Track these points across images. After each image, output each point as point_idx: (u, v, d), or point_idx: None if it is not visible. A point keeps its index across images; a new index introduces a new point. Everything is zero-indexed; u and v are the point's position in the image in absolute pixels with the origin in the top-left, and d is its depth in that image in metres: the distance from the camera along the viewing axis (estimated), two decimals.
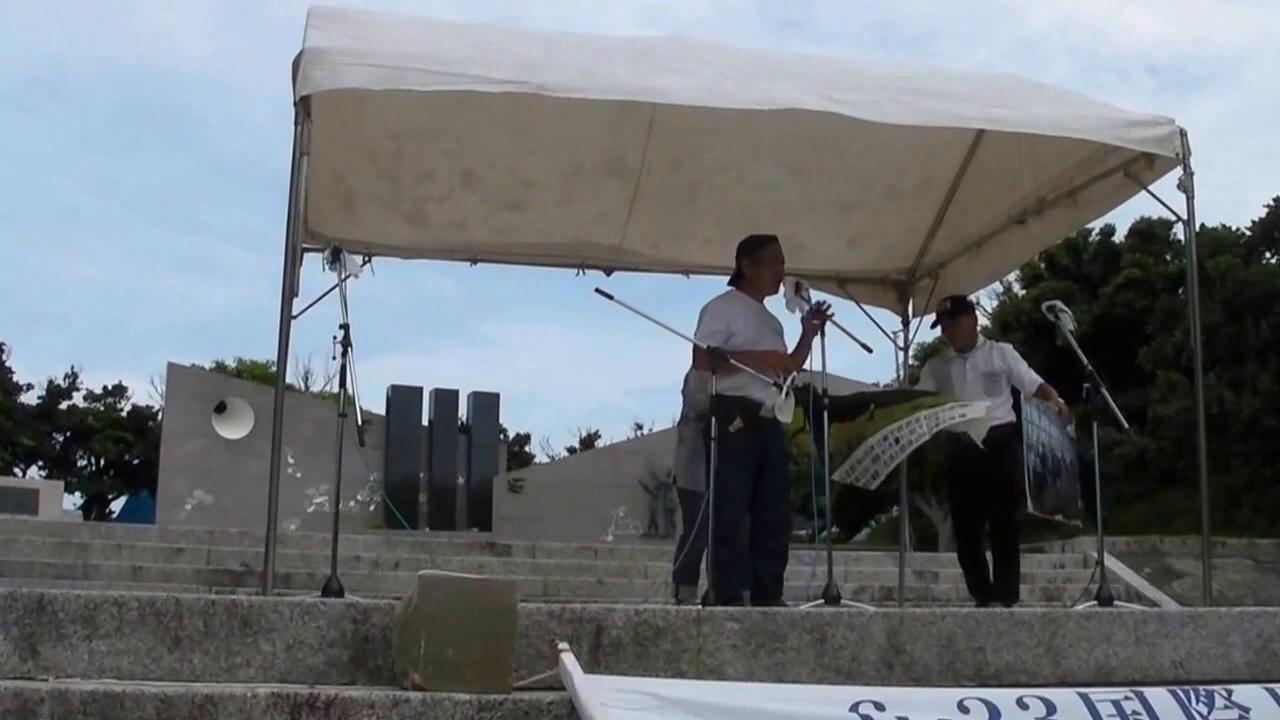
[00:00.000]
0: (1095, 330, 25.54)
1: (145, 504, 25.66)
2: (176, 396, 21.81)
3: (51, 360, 64.47)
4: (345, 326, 5.91)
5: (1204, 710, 4.03)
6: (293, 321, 5.60)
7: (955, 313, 7.57)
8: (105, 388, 38.51)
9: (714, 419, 5.98)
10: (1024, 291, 29.48)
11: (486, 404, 25.71)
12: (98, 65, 63.21)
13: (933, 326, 7.78)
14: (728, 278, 6.65)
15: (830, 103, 5.78)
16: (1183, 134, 6.27)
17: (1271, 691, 4.16)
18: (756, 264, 6.46)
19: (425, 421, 24.34)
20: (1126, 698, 4.03)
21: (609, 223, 7.83)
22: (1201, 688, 4.14)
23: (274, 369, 5.77)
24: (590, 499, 21.95)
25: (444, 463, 24.05)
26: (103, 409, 37.92)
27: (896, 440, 6.67)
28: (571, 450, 40.60)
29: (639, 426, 40.68)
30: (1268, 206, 26.26)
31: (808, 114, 5.86)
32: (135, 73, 62.98)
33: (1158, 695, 4.05)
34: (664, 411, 51.04)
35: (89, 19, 61.72)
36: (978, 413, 6.69)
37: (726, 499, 5.97)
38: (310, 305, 5.97)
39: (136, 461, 36.13)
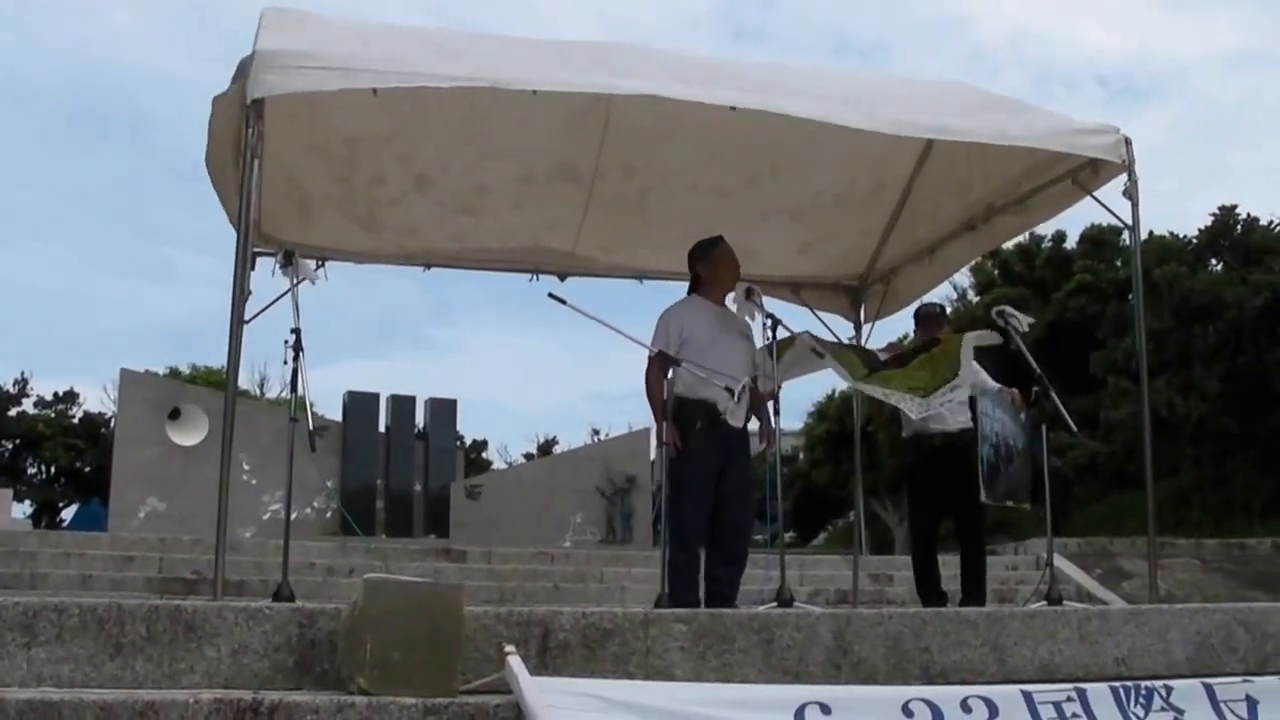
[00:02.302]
0: (1048, 335, 25.79)
1: (97, 512, 25.30)
2: (129, 403, 21.53)
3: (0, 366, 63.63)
4: (297, 331, 5.90)
5: (1140, 712, 4.09)
6: (248, 327, 5.60)
7: (942, 318, 7.72)
8: (56, 394, 38.10)
9: (673, 422, 6.01)
10: (978, 298, 29.77)
11: (444, 410, 25.59)
12: (51, 66, 62.58)
13: (915, 334, 7.84)
14: (680, 283, 6.69)
15: (781, 106, 5.83)
16: (1128, 142, 6.36)
17: (1208, 687, 4.23)
18: (712, 265, 6.49)
19: (382, 428, 24.20)
20: (1069, 698, 4.08)
21: (562, 228, 7.84)
22: (1142, 684, 4.19)
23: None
24: (548, 505, 21.89)
25: (401, 469, 23.93)
26: (53, 415, 37.45)
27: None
28: (529, 456, 40.54)
29: (596, 432, 40.70)
30: (1213, 215, 26.66)
31: (760, 121, 5.90)
32: (90, 74, 62.44)
33: (1098, 694, 4.10)
34: (621, 418, 51.14)
35: (42, 19, 61.08)
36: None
37: (686, 503, 6.00)
38: (263, 310, 5.96)
39: (88, 469, 35.71)
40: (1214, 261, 26.56)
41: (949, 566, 7.60)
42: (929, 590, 7.46)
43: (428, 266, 8.07)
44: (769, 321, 6.24)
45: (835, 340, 7.56)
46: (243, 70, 5.29)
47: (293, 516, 6.81)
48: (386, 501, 23.45)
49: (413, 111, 6.52)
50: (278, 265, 6.14)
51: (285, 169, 6.90)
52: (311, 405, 6.09)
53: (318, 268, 7.27)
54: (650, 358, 6.19)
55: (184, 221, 63.04)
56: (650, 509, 21.39)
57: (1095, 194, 6.68)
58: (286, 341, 5.88)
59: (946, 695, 3.93)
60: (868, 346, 8.65)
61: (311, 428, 5.85)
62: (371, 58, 5.47)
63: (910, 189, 7.91)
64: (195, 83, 64.36)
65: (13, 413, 37.28)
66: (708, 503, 6.15)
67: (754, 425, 6.63)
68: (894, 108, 6.16)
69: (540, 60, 5.97)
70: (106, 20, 63.31)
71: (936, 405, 6.87)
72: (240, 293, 5.50)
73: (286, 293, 5.99)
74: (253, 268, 6.08)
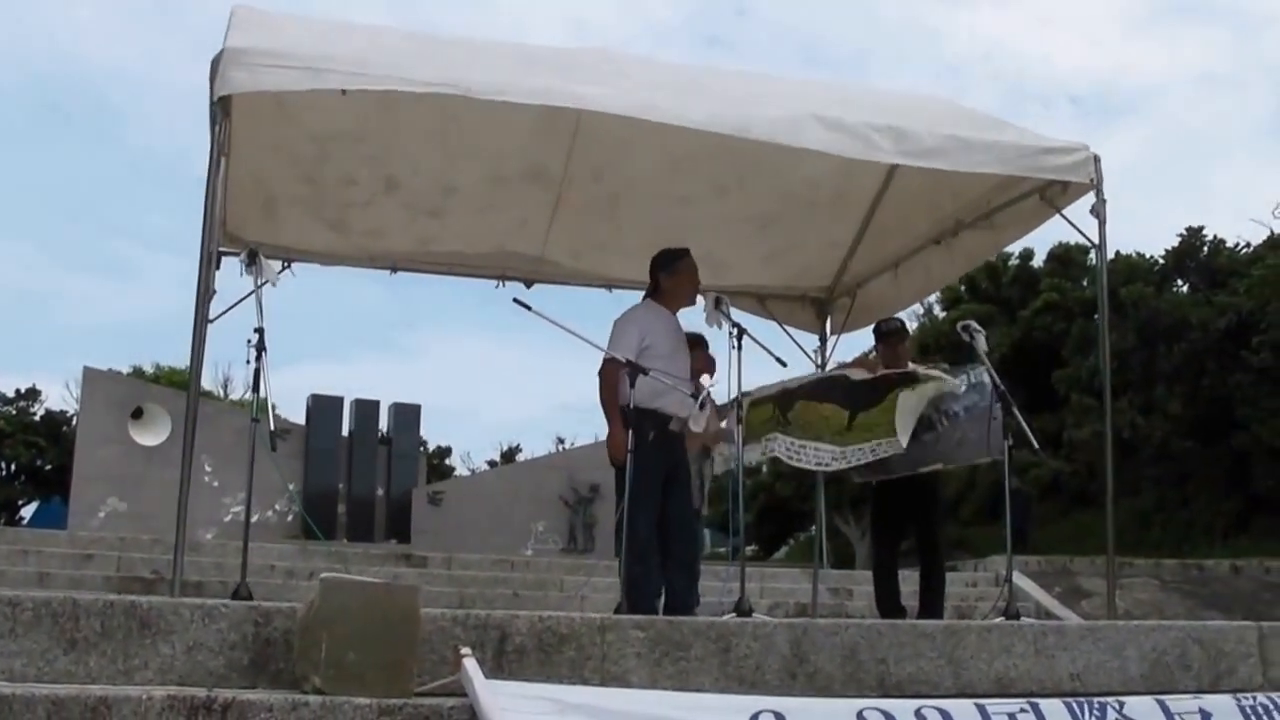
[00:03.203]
0: (1014, 353, 26.01)
1: (57, 510, 25.14)
2: (92, 401, 21.39)
3: None
4: (260, 330, 5.87)
5: None
6: (213, 327, 5.60)
7: (903, 334, 7.75)
8: (18, 391, 37.58)
9: (630, 431, 6.01)
10: (944, 314, 29.97)
11: (408, 415, 25.57)
12: (12, 60, 62.07)
13: (874, 349, 7.87)
14: (643, 295, 6.69)
15: (747, 125, 5.84)
16: (1096, 160, 6.39)
17: (1161, 703, 4.26)
18: (674, 276, 6.49)
19: (345, 432, 24.14)
20: (1022, 710, 4.10)
21: (530, 232, 7.85)
22: (1095, 699, 4.22)
23: None
24: (510, 513, 21.89)
25: (363, 474, 23.87)
26: (14, 413, 37.00)
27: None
28: (492, 464, 40.46)
29: (561, 441, 40.67)
30: (1180, 236, 26.94)
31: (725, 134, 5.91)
32: (53, 69, 61.96)
33: (1052, 707, 4.12)
34: (587, 428, 51.06)
35: (2, 11, 60.60)
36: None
37: (639, 512, 6.01)
38: (228, 310, 5.95)
39: (49, 467, 35.30)
40: (1180, 282, 26.84)
41: (909, 582, 7.63)
42: (889, 608, 7.48)
43: (394, 270, 8.05)
44: (734, 331, 6.26)
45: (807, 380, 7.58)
46: (214, 68, 5.28)
47: (254, 519, 6.77)
48: (348, 506, 23.38)
49: (382, 112, 6.51)
50: (242, 265, 6.12)
51: (252, 168, 6.87)
52: (274, 407, 6.06)
53: (283, 269, 7.26)
54: (607, 360, 6.18)
55: (147, 219, 62.81)
56: (614, 517, 21.40)
57: (1064, 212, 6.71)
58: (249, 341, 5.86)
59: (901, 707, 3.95)
60: (834, 361, 8.72)
61: (273, 428, 5.80)
62: (340, 58, 5.45)
63: (879, 202, 7.95)
64: (161, 80, 64.01)
65: None
66: (657, 513, 6.17)
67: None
68: (861, 130, 6.14)
69: (510, 66, 5.96)
70: (69, 13, 62.91)
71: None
72: (204, 291, 5.48)
73: (251, 293, 5.97)
74: (218, 267, 6.07)
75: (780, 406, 7.20)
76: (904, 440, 6.81)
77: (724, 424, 6.78)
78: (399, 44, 6.16)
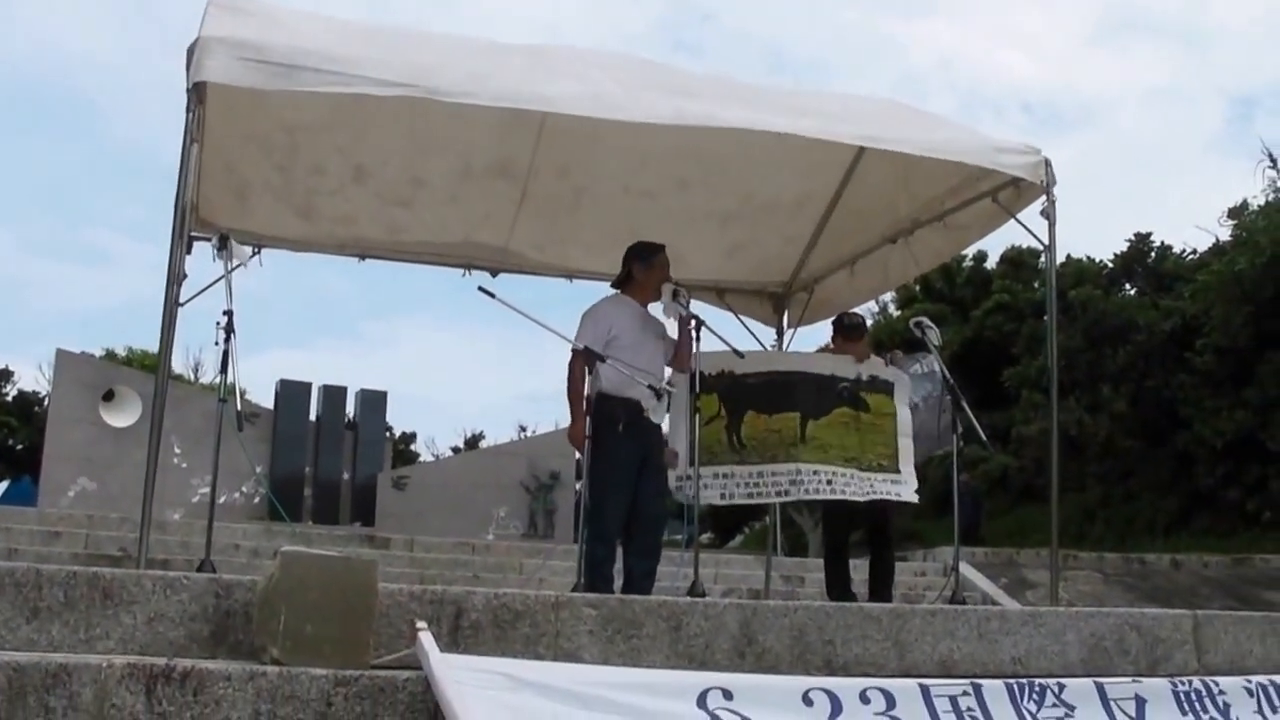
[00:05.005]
0: (965, 351, 26.31)
1: (26, 489, 25.01)
2: (64, 383, 21.28)
3: None
4: (229, 313, 5.93)
5: (1033, 709, 4.21)
6: (183, 312, 5.66)
7: (863, 329, 7.88)
8: None
9: (602, 418, 6.12)
10: (899, 312, 30.27)
11: (374, 402, 25.59)
12: None
13: (831, 341, 7.96)
14: (610, 283, 6.78)
15: (713, 117, 5.95)
16: (1047, 163, 6.52)
17: (1099, 687, 4.37)
18: (649, 269, 6.57)
19: (313, 417, 24.13)
20: (964, 692, 4.18)
21: (496, 224, 7.92)
22: (1036, 681, 4.31)
23: None
24: (472, 498, 21.95)
25: (330, 458, 23.87)
26: None
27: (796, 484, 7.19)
28: (456, 450, 40.40)
29: (523, 429, 40.67)
30: (1129, 241, 27.31)
31: (692, 126, 6.01)
32: (28, 59, 61.19)
33: (993, 689, 4.20)
34: (548, 416, 51.12)
35: None
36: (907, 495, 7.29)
37: (609, 497, 6.12)
38: (198, 294, 5.99)
39: (20, 447, 34.97)
40: (1127, 286, 27.22)
41: (860, 570, 7.76)
42: (839, 594, 7.60)
43: (362, 258, 8.10)
44: (693, 323, 6.37)
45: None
46: (190, 55, 5.33)
47: (221, 500, 6.81)
48: (314, 489, 23.38)
49: (353, 105, 6.51)
50: (213, 249, 6.18)
51: (225, 155, 6.92)
52: (243, 393, 6.12)
53: (253, 254, 7.30)
54: (574, 351, 6.28)
55: (120, 208, 62.26)
56: (573, 504, 21.50)
57: (1016, 216, 6.83)
58: (218, 323, 5.93)
59: (846, 686, 4.01)
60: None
61: (239, 409, 5.87)
62: (314, 54, 5.47)
63: (837, 201, 8.07)
64: (135, 70, 63.37)
65: None
66: (629, 498, 6.27)
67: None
68: (824, 119, 6.28)
69: (480, 64, 6.00)
70: (46, 3, 62.14)
71: (881, 490, 7.22)
72: (174, 274, 5.53)
73: (222, 278, 6.02)
74: (189, 251, 6.12)
75: (729, 410, 7.29)
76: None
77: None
78: (372, 39, 6.17)
